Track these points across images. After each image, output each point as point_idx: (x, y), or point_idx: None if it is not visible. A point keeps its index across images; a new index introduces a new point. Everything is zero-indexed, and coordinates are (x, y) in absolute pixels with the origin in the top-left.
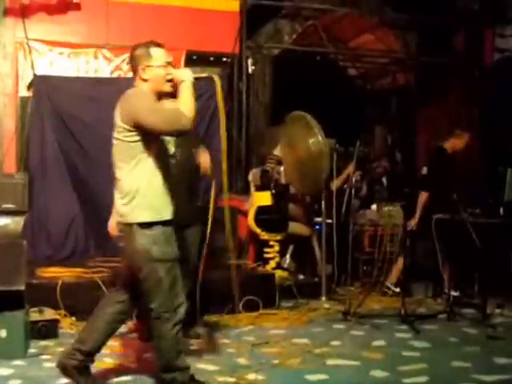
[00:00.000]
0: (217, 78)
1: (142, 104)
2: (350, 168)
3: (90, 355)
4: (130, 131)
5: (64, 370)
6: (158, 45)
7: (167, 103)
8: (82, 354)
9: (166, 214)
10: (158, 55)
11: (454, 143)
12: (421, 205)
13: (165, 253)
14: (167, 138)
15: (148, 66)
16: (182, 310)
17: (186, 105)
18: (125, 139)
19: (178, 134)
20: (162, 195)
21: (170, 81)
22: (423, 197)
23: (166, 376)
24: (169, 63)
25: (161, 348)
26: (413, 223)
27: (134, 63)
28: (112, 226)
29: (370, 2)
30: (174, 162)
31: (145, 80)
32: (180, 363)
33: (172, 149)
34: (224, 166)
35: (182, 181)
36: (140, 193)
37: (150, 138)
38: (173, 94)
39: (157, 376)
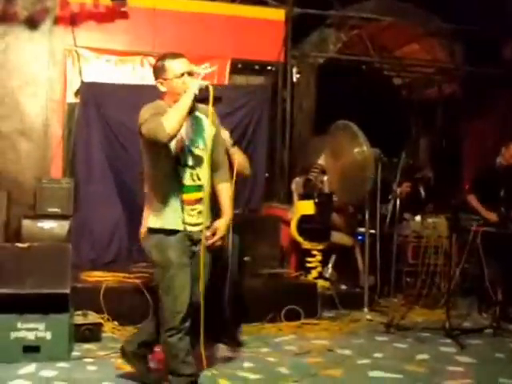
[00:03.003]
0: (211, 87)
1: (144, 114)
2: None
3: (147, 345)
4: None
5: (123, 354)
6: (175, 56)
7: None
8: (140, 344)
9: (171, 222)
10: (173, 67)
11: (506, 155)
12: (478, 205)
13: (162, 258)
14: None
15: (164, 79)
16: (178, 318)
17: (169, 118)
18: (142, 148)
19: (159, 145)
20: (171, 204)
21: None
22: (472, 199)
23: (169, 377)
24: (187, 73)
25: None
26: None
27: (154, 77)
28: None
29: (416, 11)
30: None
31: (163, 93)
32: (176, 368)
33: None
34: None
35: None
36: (154, 200)
37: (155, 147)
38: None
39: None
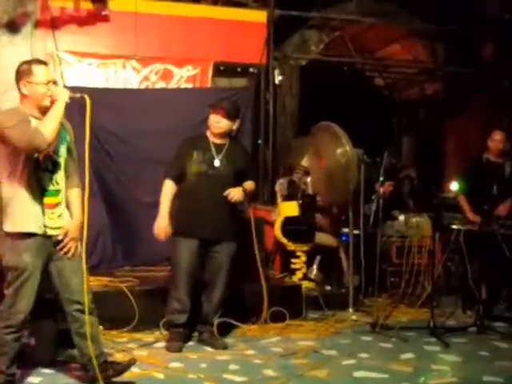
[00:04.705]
0: (88, 99)
1: (6, 119)
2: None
3: None
4: None
5: None
6: (42, 62)
7: (35, 121)
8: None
9: (32, 226)
10: (40, 72)
11: (489, 147)
12: (465, 206)
13: (17, 261)
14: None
15: (29, 82)
16: (20, 317)
17: (47, 125)
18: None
19: (33, 152)
20: (32, 208)
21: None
22: (461, 199)
23: None
24: (50, 81)
25: None
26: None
27: (16, 79)
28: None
29: (397, 12)
30: (212, 173)
31: (25, 96)
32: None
33: (216, 161)
34: None
35: (211, 194)
36: (12, 204)
37: (18, 152)
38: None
39: None
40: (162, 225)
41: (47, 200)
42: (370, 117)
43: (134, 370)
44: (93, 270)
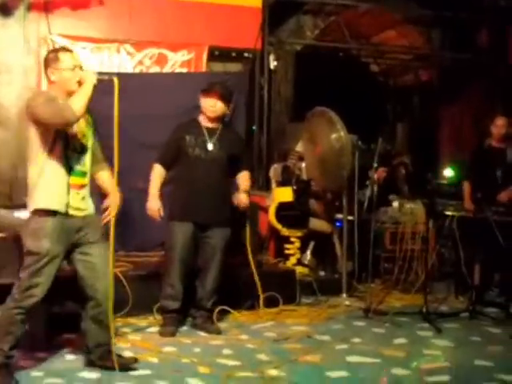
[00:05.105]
0: (116, 80)
1: (35, 98)
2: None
3: None
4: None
5: None
6: (68, 50)
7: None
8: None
9: (56, 203)
10: (66, 59)
11: (492, 133)
12: (466, 194)
13: (33, 246)
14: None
15: (56, 69)
16: (33, 301)
17: (76, 101)
18: (29, 132)
19: (63, 127)
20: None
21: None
22: (466, 186)
23: None
24: (79, 66)
25: None
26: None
27: (44, 67)
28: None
29: None
30: (205, 157)
31: (53, 82)
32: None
33: (210, 145)
34: None
35: (206, 178)
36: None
37: (48, 130)
38: None
39: None
40: (153, 205)
41: (73, 180)
42: (365, 103)
43: (128, 354)
44: None
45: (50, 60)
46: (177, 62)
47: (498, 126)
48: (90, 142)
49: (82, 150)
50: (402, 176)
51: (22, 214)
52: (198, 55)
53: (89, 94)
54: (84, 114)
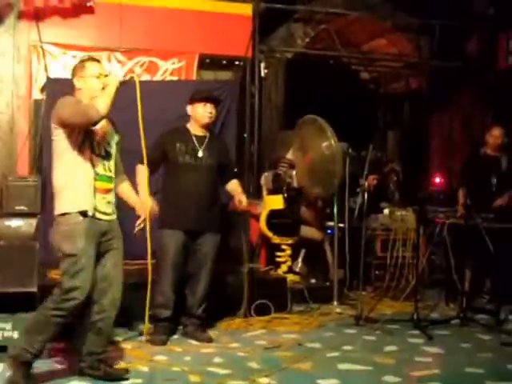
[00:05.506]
0: (137, 80)
1: (61, 104)
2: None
3: None
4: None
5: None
6: (95, 59)
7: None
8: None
9: (84, 205)
10: (93, 67)
11: (488, 142)
12: (460, 200)
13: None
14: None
15: (82, 77)
16: (73, 304)
17: (100, 101)
18: (56, 137)
19: (88, 125)
20: (84, 190)
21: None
22: (460, 193)
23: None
24: (104, 75)
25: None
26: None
27: (72, 75)
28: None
29: (382, 6)
30: (196, 164)
31: (79, 89)
32: (30, 343)
33: (200, 153)
34: None
35: (196, 185)
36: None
37: (74, 133)
38: None
39: None
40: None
41: (99, 184)
42: (356, 110)
43: (119, 363)
44: None
45: (77, 68)
46: (167, 70)
47: (494, 136)
48: (113, 150)
49: (107, 154)
50: (393, 183)
51: (13, 223)
52: (188, 63)
53: (112, 95)
54: (107, 119)
